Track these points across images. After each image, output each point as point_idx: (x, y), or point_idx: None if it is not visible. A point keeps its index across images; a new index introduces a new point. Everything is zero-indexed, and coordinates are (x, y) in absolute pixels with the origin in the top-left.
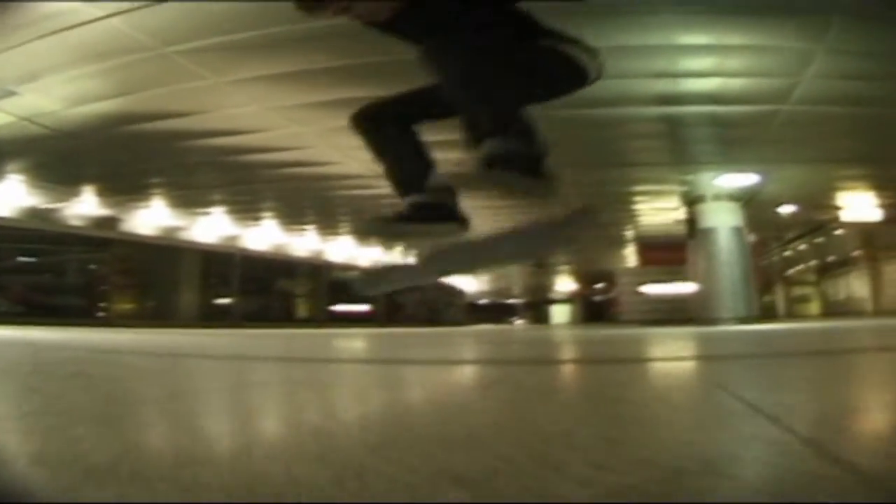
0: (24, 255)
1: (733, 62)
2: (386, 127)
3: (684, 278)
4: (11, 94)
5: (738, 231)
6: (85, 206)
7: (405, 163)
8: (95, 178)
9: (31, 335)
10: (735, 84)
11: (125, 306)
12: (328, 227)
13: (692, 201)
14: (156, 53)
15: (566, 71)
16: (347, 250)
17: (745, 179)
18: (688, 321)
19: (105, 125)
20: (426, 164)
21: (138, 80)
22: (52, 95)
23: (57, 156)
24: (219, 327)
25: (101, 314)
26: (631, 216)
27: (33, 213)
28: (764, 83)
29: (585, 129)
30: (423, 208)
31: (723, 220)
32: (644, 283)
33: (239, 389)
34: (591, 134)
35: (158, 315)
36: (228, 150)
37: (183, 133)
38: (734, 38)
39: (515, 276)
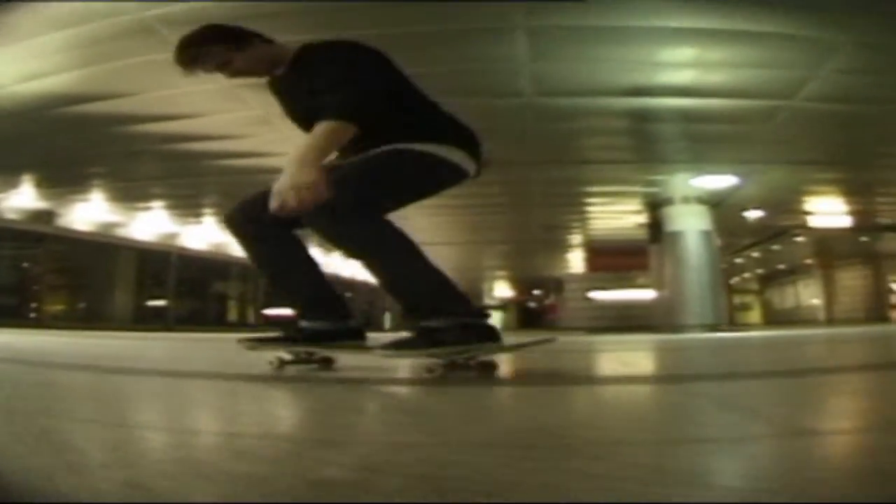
0: None
1: (733, 51)
2: (264, 234)
3: (637, 284)
4: None
5: (707, 235)
6: (21, 198)
7: (291, 280)
8: (35, 167)
9: None
10: (734, 76)
11: (57, 307)
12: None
13: (658, 204)
14: (133, 17)
15: (447, 172)
16: None
17: (723, 182)
18: (643, 328)
19: (55, 103)
20: (316, 283)
21: (105, 50)
22: (7, 68)
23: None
24: (152, 330)
25: (32, 315)
26: (583, 219)
27: None
28: (773, 75)
29: (541, 121)
30: (317, 332)
31: (691, 223)
32: (593, 288)
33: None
34: (547, 126)
35: (91, 317)
36: (175, 137)
37: (133, 116)
38: (741, 25)
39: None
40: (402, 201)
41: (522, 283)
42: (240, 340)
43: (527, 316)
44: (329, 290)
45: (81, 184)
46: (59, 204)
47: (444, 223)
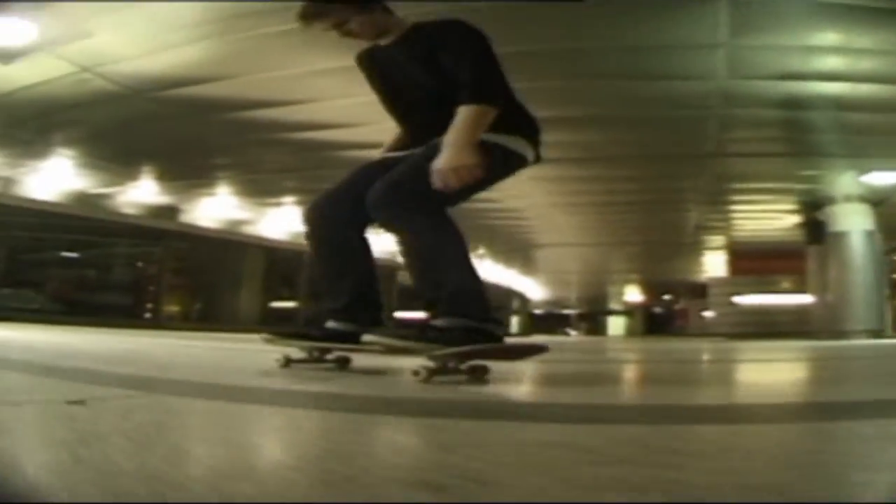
0: (66, 248)
1: None
2: (338, 235)
3: (784, 288)
4: (81, 35)
5: (871, 235)
6: (141, 191)
7: (345, 282)
8: (156, 156)
9: (61, 340)
10: None
11: (177, 307)
12: None
13: (818, 203)
14: None
15: (511, 162)
16: None
17: (892, 179)
18: (795, 334)
19: (178, 83)
20: (365, 292)
21: (233, 24)
22: (134, 35)
23: (118, 123)
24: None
25: (148, 315)
26: (733, 218)
27: (81, 198)
28: None
29: (725, 108)
30: (336, 333)
31: (856, 223)
32: (738, 292)
33: None
34: (688, 114)
35: (214, 317)
36: (309, 125)
37: (263, 101)
38: None
39: (573, 286)
40: (467, 194)
41: (651, 288)
42: (262, 336)
43: (652, 322)
44: (374, 296)
45: (207, 176)
46: (182, 198)
47: (576, 223)
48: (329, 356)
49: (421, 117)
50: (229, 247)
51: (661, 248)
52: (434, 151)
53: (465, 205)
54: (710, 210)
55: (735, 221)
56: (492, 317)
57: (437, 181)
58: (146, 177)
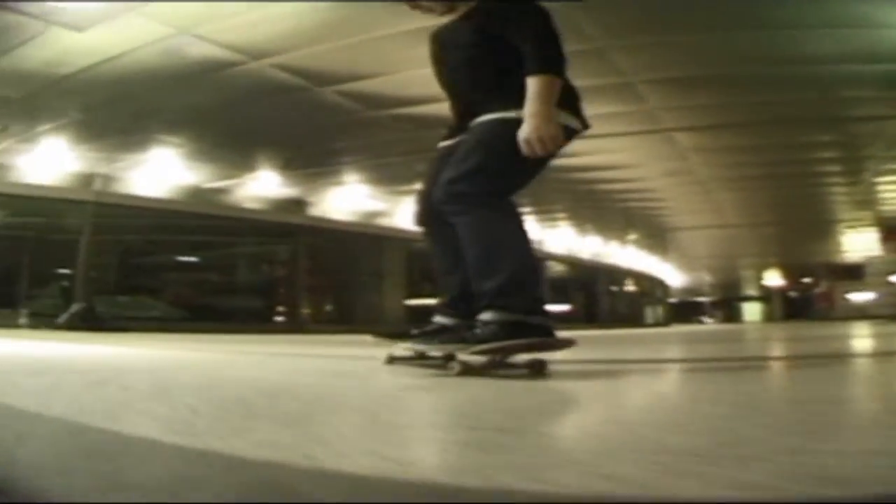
0: (183, 250)
1: None
2: (440, 227)
3: None
4: None
5: None
6: (261, 183)
7: (450, 275)
8: (277, 140)
9: (205, 362)
10: None
11: (313, 308)
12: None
13: None
14: None
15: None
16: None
17: None
18: None
19: (304, 40)
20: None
21: None
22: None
23: (228, 99)
24: None
25: (281, 318)
26: (874, 190)
27: (196, 194)
28: None
29: (870, 62)
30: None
31: None
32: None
33: None
34: (817, 70)
35: (353, 318)
36: (434, 98)
37: (389, 69)
38: None
39: (709, 272)
40: (528, 178)
41: (791, 271)
42: (369, 337)
43: (790, 306)
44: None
45: (333, 163)
46: (308, 190)
47: (722, 200)
48: (434, 353)
49: (475, 97)
50: (366, 241)
51: (806, 228)
52: (474, 134)
53: (604, 186)
54: (873, 181)
55: (873, 192)
56: (540, 309)
57: (525, 150)
58: (266, 166)
